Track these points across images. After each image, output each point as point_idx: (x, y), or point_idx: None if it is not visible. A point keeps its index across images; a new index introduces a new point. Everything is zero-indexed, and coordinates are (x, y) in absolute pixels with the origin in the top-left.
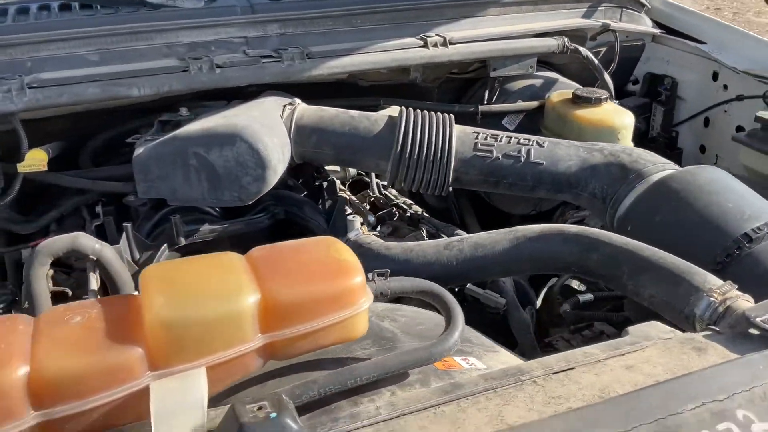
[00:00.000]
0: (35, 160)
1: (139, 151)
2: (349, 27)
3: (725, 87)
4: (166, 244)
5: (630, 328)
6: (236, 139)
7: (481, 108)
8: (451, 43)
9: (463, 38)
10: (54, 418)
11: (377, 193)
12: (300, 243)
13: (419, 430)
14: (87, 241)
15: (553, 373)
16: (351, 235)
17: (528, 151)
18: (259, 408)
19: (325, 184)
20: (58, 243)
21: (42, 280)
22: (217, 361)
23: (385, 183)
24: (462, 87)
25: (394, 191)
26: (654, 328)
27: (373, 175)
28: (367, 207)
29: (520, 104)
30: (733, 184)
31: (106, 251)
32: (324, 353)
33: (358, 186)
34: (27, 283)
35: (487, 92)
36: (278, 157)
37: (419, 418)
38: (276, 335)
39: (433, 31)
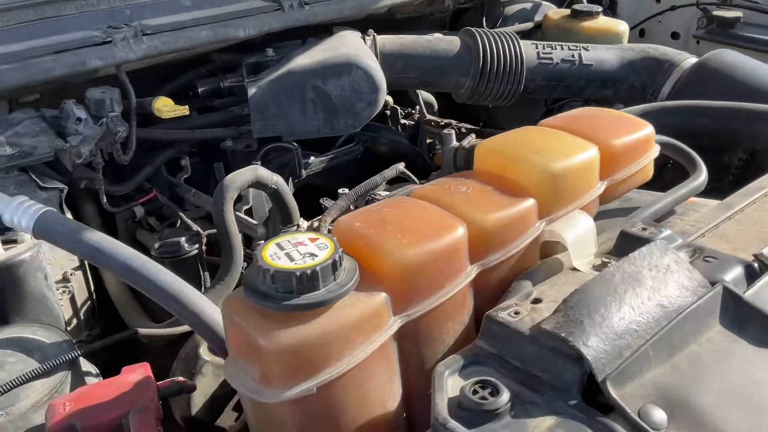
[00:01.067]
0: (172, 106)
1: (253, 90)
2: None
3: (658, 0)
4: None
5: None
6: (352, 68)
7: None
8: None
9: None
10: (486, 268)
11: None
12: None
13: None
14: (265, 173)
15: None
16: (464, 143)
17: (579, 56)
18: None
19: (388, 112)
20: (242, 176)
21: (232, 210)
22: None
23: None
24: (456, 16)
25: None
26: None
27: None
28: None
29: (518, 26)
30: (754, 60)
31: (281, 181)
32: None
33: None
34: (219, 213)
35: (484, 19)
36: (384, 81)
37: None
38: None
39: None
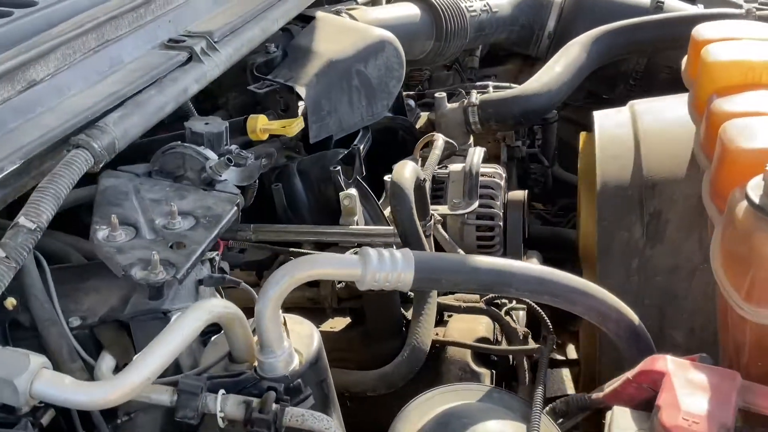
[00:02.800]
0: (270, 123)
1: (302, 89)
2: None
3: None
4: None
5: None
6: (385, 45)
7: None
8: None
9: None
10: None
11: None
12: None
13: None
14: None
15: None
16: (473, 99)
17: (488, 4)
18: None
19: None
20: (408, 173)
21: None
22: None
23: None
24: None
25: None
26: None
27: None
28: None
29: None
30: None
31: None
32: None
33: None
34: (408, 219)
35: None
36: None
37: None
38: None
39: None
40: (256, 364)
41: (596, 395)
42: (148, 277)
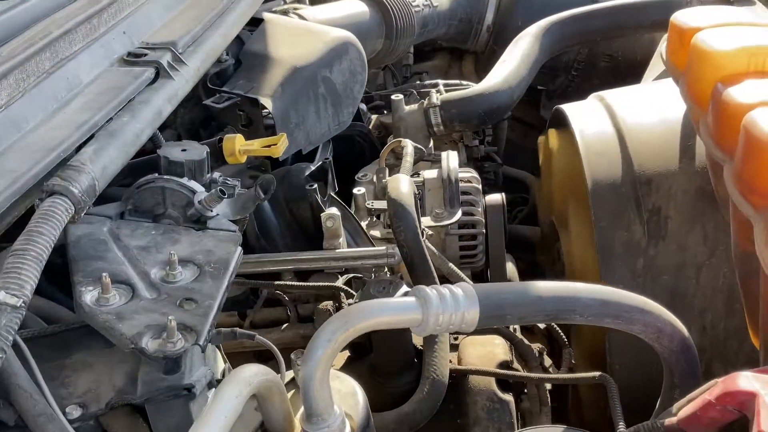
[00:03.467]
0: (249, 144)
1: (269, 103)
2: None
3: None
4: None
5: None
6: (348, 47)
7: None
8: None
9: None
10: None
11: None
12: None
13: None
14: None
15: None
16: (434, 99)
17: (430, 0)
18: None
19: None
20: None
21: None
22: None
23: None
24: None
25: None
26: None
27: None
28: None
29: None
30: None
31: None
32: None
33: None
34: (414, 239)
35: None
36: None
37: None
38: None
39: None
40: None
41: (669, 421)
42: (164, 348)
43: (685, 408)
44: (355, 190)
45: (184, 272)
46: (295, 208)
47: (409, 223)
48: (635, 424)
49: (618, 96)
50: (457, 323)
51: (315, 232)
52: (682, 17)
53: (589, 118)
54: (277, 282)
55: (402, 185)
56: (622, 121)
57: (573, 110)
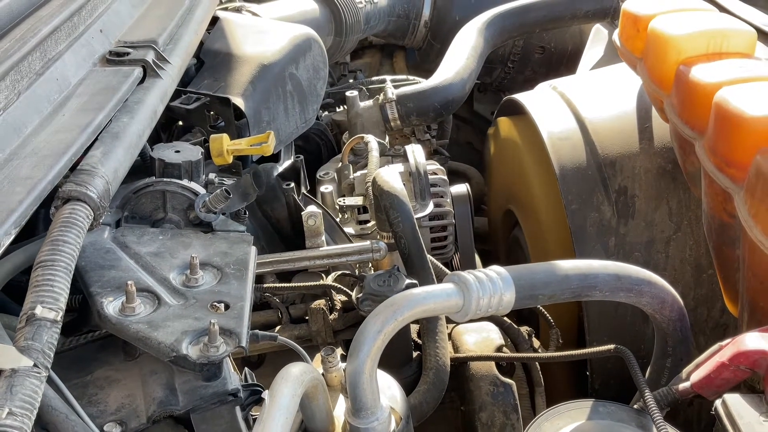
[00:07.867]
0: (234, 143)
1: (241, 102)
2: None
3: None
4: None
5: None
6: (311, 43)
7: None
8: None
9: None
10: None
11: None
12: None
13: None
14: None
15: None
16: (389, 94)
17: None
18: None
19: None
20: (395, 182)
21: None
22: None
23: None
24: None
25: None
26: None
27: None
28: None
29: None
30: None
31: None
32: None
33: None
34: (411, 230)
35: None
36: None
37: None
38: None
39: None
40: None
41: (683, 386)
42: (207, 353)
43: (696, 372)
44: (321, 189)
45: (205, 276)
46: (269, 208)
47: (407, 214)
48: (613, 398)
49: (570, 84)
50: (495, 306)
51: (291, 232)
52: (633, 6)
53: (545, 105)
54: (266, 285)
55: (390, 177)
56: (580, 107)
57: (528, 99)
